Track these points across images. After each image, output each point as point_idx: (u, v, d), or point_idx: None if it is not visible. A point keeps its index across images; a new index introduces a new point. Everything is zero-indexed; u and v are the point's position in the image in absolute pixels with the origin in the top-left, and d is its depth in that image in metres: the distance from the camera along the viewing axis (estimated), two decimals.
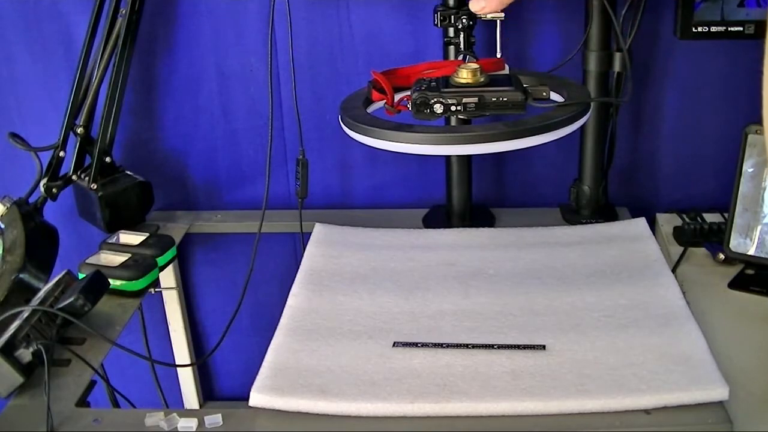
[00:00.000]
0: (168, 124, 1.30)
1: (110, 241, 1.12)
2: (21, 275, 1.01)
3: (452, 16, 1.07)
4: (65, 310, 0.91)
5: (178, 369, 1.42)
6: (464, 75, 0.84)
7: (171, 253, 1.14)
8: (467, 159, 1.20)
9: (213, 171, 1.33)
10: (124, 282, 1.04)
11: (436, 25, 1.09)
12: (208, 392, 1.51)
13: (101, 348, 0.93)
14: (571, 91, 0.91)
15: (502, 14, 1.03)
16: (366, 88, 0.94)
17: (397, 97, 0.91)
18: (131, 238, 1.12)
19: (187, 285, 1.41)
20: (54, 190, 1.14)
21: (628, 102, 1.21)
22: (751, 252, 1.02)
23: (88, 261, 1.07)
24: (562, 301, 0.95)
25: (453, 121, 1.10)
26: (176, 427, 0.80)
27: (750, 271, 1.03)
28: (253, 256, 1.12)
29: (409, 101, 0.84)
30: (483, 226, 1.17)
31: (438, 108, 0.83)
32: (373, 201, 1.33)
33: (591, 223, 1.18)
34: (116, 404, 1.12)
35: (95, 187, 1.16)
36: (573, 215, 1.22)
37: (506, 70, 0.94)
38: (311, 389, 0.81)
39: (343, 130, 0.90)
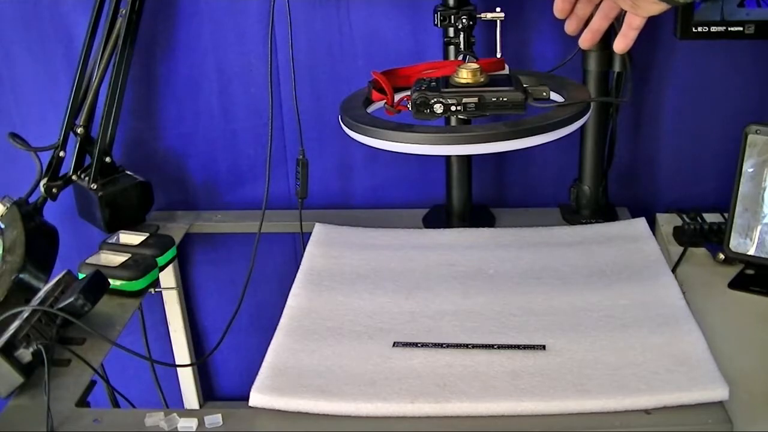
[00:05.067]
0: (168, 124, 1.30)
1: (110, 241, 1.12)
2: (21, 275, 1.01)
3: (452, 16, 1.07)
4: (65, 310, 0.91)
5: (178, 369, 1.42)
6: (464, 75, 0.84)
7: (171, 253, 1.14)
8: (467, 159, 1.20)
9: (213, 171, 1.33)
10: (124, 282, 1.04)
11: (436, 25, 1.09)
12: (208, 392, 1.51)
13: (101, 348, 0.93)
14: (571, 91, 0.91)
15: (502, 14, 1.03)
16: (366, 88, 0.94)
17: (397, 97, 0.91)
18: (131, 238, 1.12)
19: (187, 285, 1.41)
20: (54, 190, 1.14)
21: (628, 102, 1.21)
22: (751, 252, 1.02)
23: (88, 261, 1.07)
24: (562, 301, 0.95)
25: (453, 121, 1.10)
26: (176, 427, 0.80)
27: (750, 271, 1.03)
28: (253, 256, 1.12)
29: (409, 101, 0.84)
30: (483, 226, 1.17)
31: (438, 108, 0.83)
32: (373, 201, 1.33)
33: (591, 223, 1.18)
34: (116, 404, 1.12)
35: (95, 187, 1.16)
36: (573, 215, 1.22)
37: (506, 70, 0.94)
38: (311, 389, 0.81)
39: (343, 130, 0.90)
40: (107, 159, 1.17)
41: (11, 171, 1.28)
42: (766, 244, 1.01)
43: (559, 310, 0.94)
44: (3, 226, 1.04)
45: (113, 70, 1.14)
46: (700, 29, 1.05)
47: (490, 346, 0.87)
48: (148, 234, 1.13)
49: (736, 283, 1.01)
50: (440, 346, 0.87)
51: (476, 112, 0.83)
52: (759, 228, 1.02)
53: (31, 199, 1.12)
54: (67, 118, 1.15)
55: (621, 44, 0.83)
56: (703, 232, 1.12)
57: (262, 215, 1.12)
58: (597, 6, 0.84)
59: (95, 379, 0.90)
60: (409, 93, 0.85)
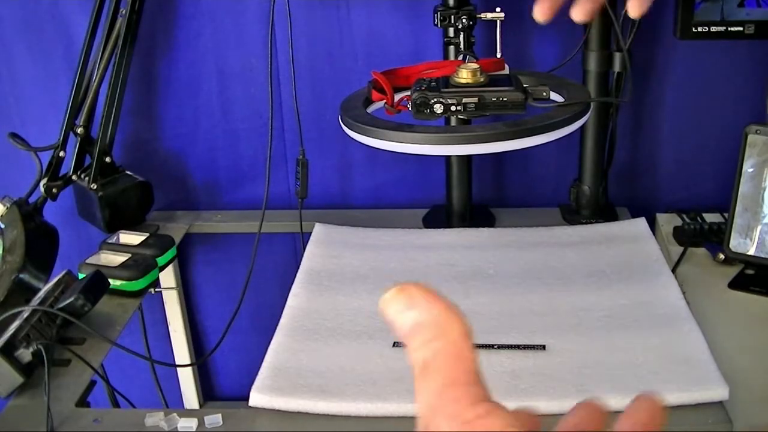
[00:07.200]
0: (168, 124, 1.30)
1: (110, 241, 1.12)
2: (21, 275, 1.01)
3: (452, 16, 1.07)
4: (65, 310, 0.91)
5: (178, 369, 1.42)
6: (464, 75, 0.84)
7: (171, 253, 1.14)
8: (467, 159, 1.20)
9: (213, 171, 1.33)
10: (124, 282, 1.04)
11: (436, 25, 1.09)
12: (208, 392, 1.51)
13: (101, 348, 0.94)
14: (571, 91, 0.91)
15: (502, 14, 1.03)
16: (366, 88, 0.94)
17: (397, 97, 0.91)
18: (131, 238, 1.12)
19: (187, 285, 1.41)
20: (54, 190, 1.14)
21: (628, 102, 1.21)
22: (751, 252, 1.02)
23: (88, 261, 1.07)
24: (562, 301, 0.95)
25: (453, 121, 1.10)
26: (176, 427, 0.80)
27: (750, 271, 1.03)
28: (253, 256, 1.12)
29: (409, 101, 0.84)
30: (483, 226, 1.17)
31: (438, 108, 0.83)
32: (373, 201, 1.33)
33: (591, 223, 1.18)
34: (116, 404, 1.12)
35: (95, 187, 1.16)
36: (573, 215, 1.22)
37: (506, 70, 0.94)
38: (311, 389, 0.81)
39: (343, 130, 0.90)
40: (107, 159, 1.17)
41: (11, 171, 1.28)
42: (766, 244, 1.01)
43: (559, 310, 0.94)
44: (3, 226, 1.05)
45: (113, 70, 1.14)
46: (700, 29, 1.05)
47: (490, 346, 0.87)
48: (148, 234, 1.13)
49: (736, 283, 1.01)
50: None
51: (476, 112, 0.83)
52: (759, 228, 1.02)
53: (31, 199, 1.11)
54: (67, 118, 1.15)
55: (636, 6, 0.79)
56: (703, 232, 1.12)
57: (262, 215, 1.13)
58: None
59: (95, 379, 0.90)
60: (409, 93, 0.85)
